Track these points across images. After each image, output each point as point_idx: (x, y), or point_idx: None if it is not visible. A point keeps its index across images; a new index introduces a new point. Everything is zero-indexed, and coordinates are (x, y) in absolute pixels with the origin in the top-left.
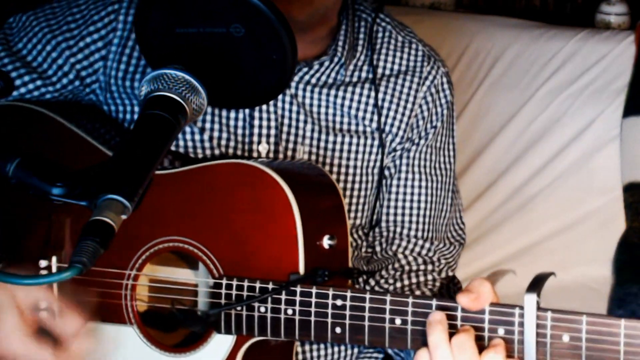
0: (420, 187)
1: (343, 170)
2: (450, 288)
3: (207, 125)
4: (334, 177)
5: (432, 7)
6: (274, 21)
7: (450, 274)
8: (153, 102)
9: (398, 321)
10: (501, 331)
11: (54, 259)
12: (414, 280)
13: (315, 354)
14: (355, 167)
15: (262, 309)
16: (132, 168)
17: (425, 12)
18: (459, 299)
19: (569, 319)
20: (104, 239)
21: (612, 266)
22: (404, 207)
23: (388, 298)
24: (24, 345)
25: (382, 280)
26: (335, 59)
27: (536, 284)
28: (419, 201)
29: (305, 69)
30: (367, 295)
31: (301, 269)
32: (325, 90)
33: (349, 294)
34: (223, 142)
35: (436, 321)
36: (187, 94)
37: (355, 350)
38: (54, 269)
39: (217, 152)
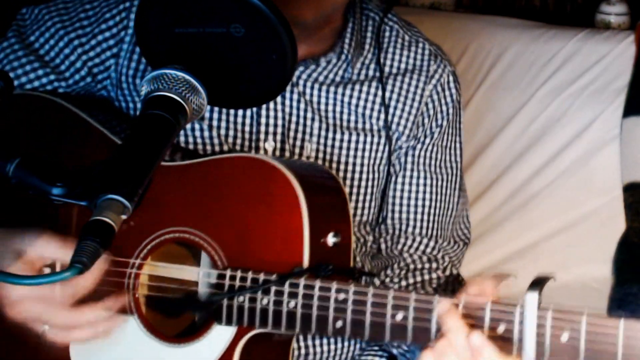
0: (425, 185)
1: (350, 167)
2: (454, 286)
3: (215, 123)
4: (340, 174)
5: (432, 7)
6: (274, 21)
7: (455, 272)
8: (153, 102)
9: (399, 317)
10: (501, 328)
11: None
12: (418, 278)
13: (318, 349)
14: (362, 164)
15: (265, 301)
16: (132, 168)
17: (425, 12)
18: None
19: (569, 318)
20: (104, 239)
21: (612, 266)
22: (409, 205)
23: (390, 294)
24: (38, 308)
25: (388, 279)
26: (342, 57)
27: (537, 284)
28: (423, 199)
29: (312, 67)
30: (370, 291)
31: (305, 264)
32: (332, 88)
33: (351, 288)
34: (230, 140)
35: (450, 309)
36: (187, 94)
37: (358, 346)
38: (57, 266)
39: (224, 148)
